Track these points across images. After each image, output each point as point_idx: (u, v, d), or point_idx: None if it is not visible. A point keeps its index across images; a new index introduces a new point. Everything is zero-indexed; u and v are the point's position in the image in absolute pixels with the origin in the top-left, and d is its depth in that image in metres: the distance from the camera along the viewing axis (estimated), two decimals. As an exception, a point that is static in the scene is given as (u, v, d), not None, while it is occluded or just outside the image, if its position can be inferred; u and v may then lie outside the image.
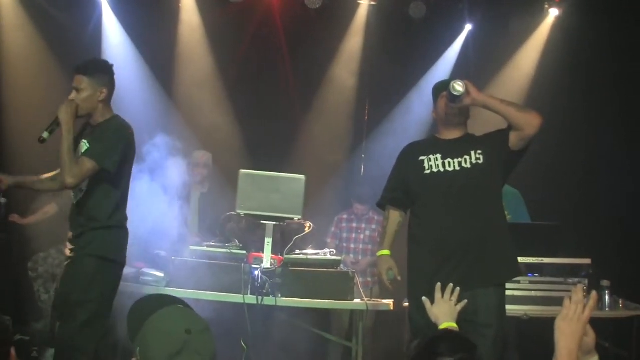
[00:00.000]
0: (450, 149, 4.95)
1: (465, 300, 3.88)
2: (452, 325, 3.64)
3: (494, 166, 4.90)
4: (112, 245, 5.10)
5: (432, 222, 4.93)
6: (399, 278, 5.07)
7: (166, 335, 2.38)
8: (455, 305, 3.80)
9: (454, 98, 4.75)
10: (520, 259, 6.30)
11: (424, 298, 3.92)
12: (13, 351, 2.48)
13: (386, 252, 5.21)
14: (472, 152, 4.92)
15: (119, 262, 5.16)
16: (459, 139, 5.01)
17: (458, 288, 3.86)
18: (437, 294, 3.83)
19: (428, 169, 4.94)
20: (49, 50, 8.85)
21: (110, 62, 5.41)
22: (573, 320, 2.80)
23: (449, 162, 4.91)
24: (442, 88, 4.97)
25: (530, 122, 4.78)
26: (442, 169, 4.91)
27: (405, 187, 5.12)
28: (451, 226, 4.84)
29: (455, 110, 4.91)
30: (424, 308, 3.91)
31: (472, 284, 4.62)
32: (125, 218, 5.18)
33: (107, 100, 5.25)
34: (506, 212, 7.18)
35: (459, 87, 4.70)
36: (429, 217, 4.96)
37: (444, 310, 3.75)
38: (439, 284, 3.88)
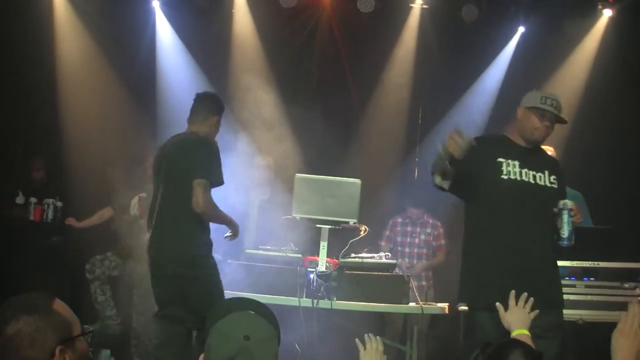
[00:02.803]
0: (527, 159, 4.88)
1: (537, 310, 3.84)
2: (525, 332, 3.62)
3: (557, 200, 4.82)
4: None
5: (505, 231, 4.82)
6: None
7: (225, 338, 2.43)
8: (529, 313, 3.78)
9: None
10: (576, 263, 6.30)
11: (497, 304, 3.88)
12: (58, 351, 2.47)
13: None
14: (547, 173, 4.89)
15: None
16: (534, 150, 4.96)
17: (532, 298, 3.82)
18: (512, 302, 3.81)
19: (506, 174, 4.82)
20: (104, 58, 8.96)
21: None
22: (630, 334, 2.80)
23: (526, 172, 4.84)
24: (534, 99, 4.89)
25: None
26: (518, 178, 4.83)
27: (468, 176, 4.83)
28: (526, 239, 4.78)
29: (546, 135, 4.89)
30: (497, 315, 3.89)
31: (545, 301, 4.55)
32: None
33: None
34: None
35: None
36: (501, 224, 4.84)
37: (518, 318, 3.72)
38: (513, 291, 3.86)
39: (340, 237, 6.31)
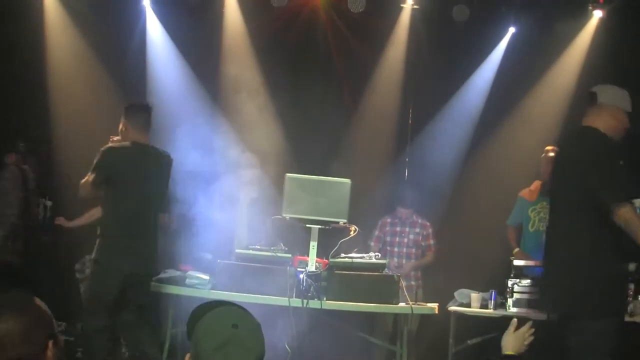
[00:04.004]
0: None
1: (532, 337, 3.87)
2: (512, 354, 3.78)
3: None
4: None
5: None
6: None
7: (214, 328, 2.42)
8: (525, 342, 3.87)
9: None
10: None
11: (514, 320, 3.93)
12: (51, 344, 2.53)
13: None
14: None
15: None
16: None
17: (531, 322, 3.87)
18: (513, 326, 3.86)
19: None
20: (95, 56, 8.95)
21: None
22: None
23: None
24: (627, 103, 5.13)
25: None
26: None
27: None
28: None
29: None
30: None
31: None
32: None
33: None
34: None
35: None
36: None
37: (515, 343, 3.82)
38: (514, 319, 3.89)
39: (330, 237, 6.31)
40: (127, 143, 6.16)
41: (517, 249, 7.49)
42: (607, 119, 5.04)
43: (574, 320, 4.87)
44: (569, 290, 4.89)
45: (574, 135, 5.23)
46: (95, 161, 6.03)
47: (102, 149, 6.09)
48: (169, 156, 6.44)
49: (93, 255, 6.16)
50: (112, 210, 6.17)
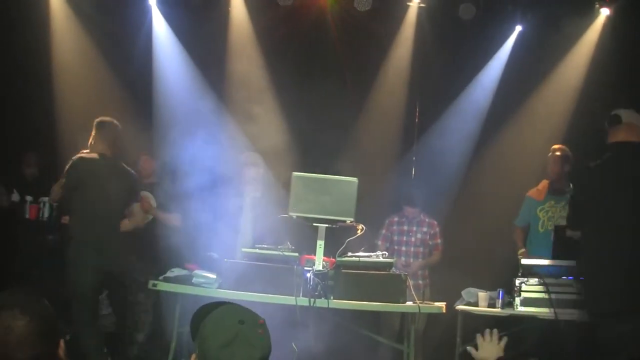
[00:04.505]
0: None
1: (506, 338, 4.05)
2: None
3: None
4: None
5: None
6: None
7: (220, 325, 2.43)
8: (499, 343, 3.98)
9: None
10: (574, 262, 6.30)
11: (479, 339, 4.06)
12: (62, 343, 2.55)
13: None
14: None
15: None
16: None
17: (496, 330, 4.03)
18: (480, 340, 4.00)
19: None
20: (100, 55, 8.94)
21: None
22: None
23: None
24: None
25: None
26: None
27: None
28: None
29: None
30: None
31: None
32: None
33: None
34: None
35: None
36: None
37: (491, 351, 3.95)
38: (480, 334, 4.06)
39: (337, 236, 6.28)
40: (95, 155, 6.70)
41: (522, 249, 7.47)
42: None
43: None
44: None
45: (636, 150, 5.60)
46: (66, 168, 6.63)
47: (73, 158, 6.66)
48: (133, 173, 7.09)
49: (66, 255, 6.64)
50: (80, 214, 6.69)
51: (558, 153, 7.49)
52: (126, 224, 7.39)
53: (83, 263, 6.51)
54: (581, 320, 5.91)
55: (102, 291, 6.91)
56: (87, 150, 6.77)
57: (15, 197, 8.48)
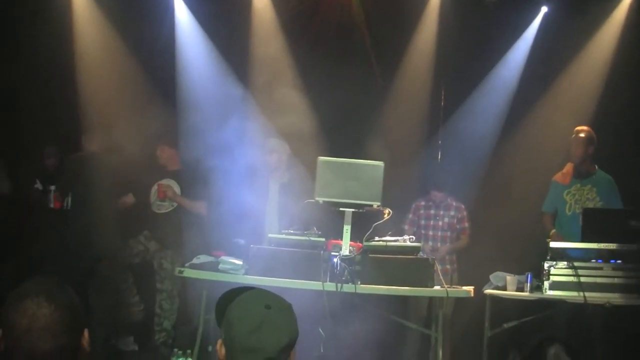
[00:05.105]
0: None
1: None
2: None
3: None
4: None
5: None
6: None
7: (247, 311, 2.42)
8: None
9: None
10: (603, 245, 6.24)
11: None
12: (86, 333, 2.52)
13: None
14: None
15: None
16: None
17: None
18: None
19: None
20: (123, 45, 8.91)
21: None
22: None
23: None
24: None
25: None
26: None
27: None
28: None
29: None
30: None
31: None
32: None
33: None
34: (597, 198, 7.14)
35: None
36: None
37: None
38: None
39: (364, 221, 6.26)
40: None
41: (553, 230, 7.39)
42: None
43: None
44: None
45: None
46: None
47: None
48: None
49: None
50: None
51: (582, 135, 7.40)
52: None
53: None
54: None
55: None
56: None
57: (39, 186, 8.54)
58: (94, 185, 7.42)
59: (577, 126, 7.55)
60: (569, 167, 7.57)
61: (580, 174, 7.49)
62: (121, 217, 8.04)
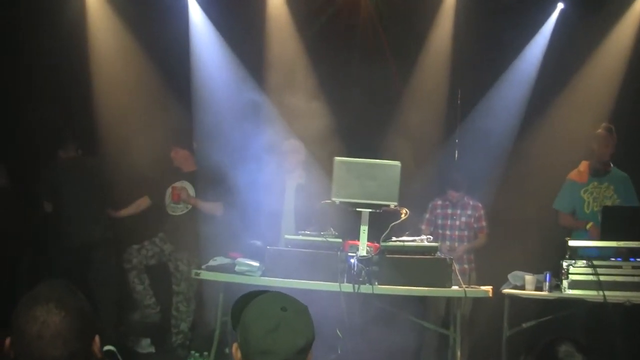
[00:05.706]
0: None
1: None
2: None
3: None
4: None
5: None
6: None
7: (263, 313, 2.40)
8: None
9: None
10: (622, 243, 6.18)
11: None
12: (97, 339, 2.49)
13: None
14: None
15: None
16: None
17: None
18: None
19: None
20: (137, 45, 8.91)
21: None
22: None
23: None
24: None
25: None
26: None
27: None
28: None
29: None
30: None
31: None
32: None
33: None
34: (615, 196, 7.07)
35: None
36: None
37: None
38: None
39: (381, 221, 6.23)
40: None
41: (591, 223, 7.28)
42: None
43: None
44: None
45: None
46: None
47: None
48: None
49: None
50: None
51: (610, 133, 7.35)
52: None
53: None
54: None
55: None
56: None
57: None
58: (72, 186, 7.73)
59: (594, 124, 7.51)
60: (584, 165, 7.52)
61: (598, 172, 7.44)
62: (137, 219, 8.09)
